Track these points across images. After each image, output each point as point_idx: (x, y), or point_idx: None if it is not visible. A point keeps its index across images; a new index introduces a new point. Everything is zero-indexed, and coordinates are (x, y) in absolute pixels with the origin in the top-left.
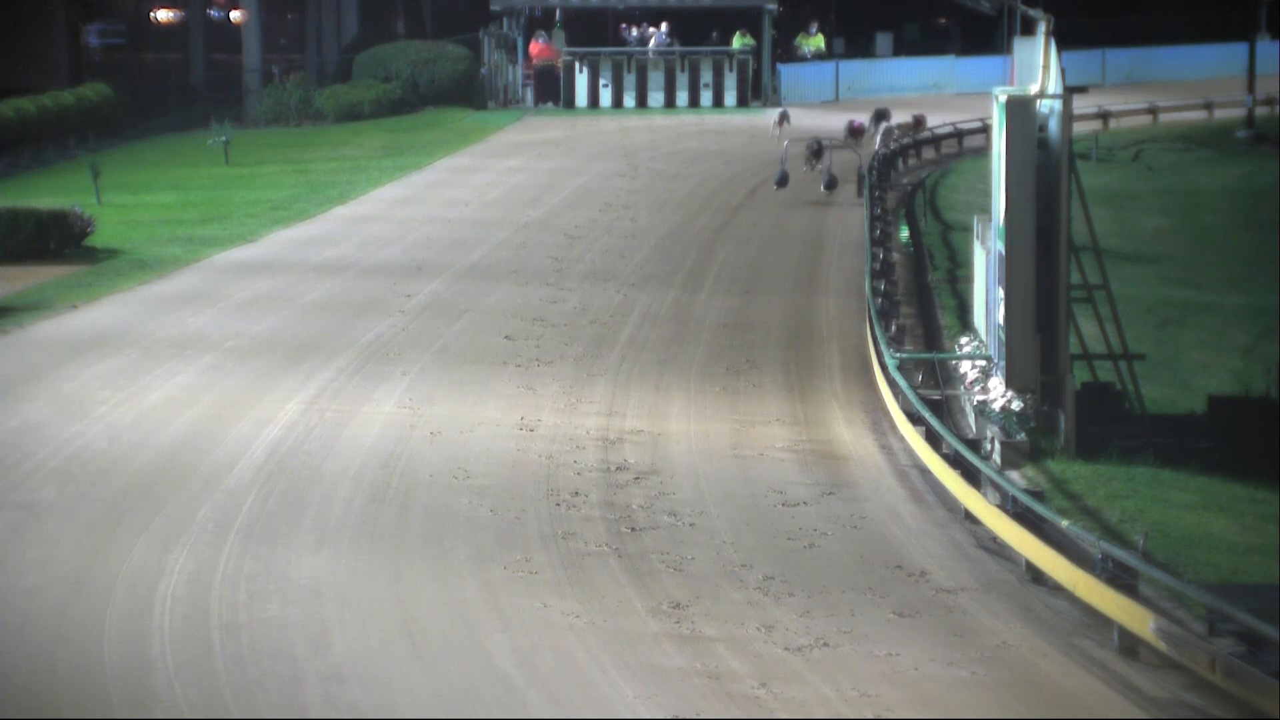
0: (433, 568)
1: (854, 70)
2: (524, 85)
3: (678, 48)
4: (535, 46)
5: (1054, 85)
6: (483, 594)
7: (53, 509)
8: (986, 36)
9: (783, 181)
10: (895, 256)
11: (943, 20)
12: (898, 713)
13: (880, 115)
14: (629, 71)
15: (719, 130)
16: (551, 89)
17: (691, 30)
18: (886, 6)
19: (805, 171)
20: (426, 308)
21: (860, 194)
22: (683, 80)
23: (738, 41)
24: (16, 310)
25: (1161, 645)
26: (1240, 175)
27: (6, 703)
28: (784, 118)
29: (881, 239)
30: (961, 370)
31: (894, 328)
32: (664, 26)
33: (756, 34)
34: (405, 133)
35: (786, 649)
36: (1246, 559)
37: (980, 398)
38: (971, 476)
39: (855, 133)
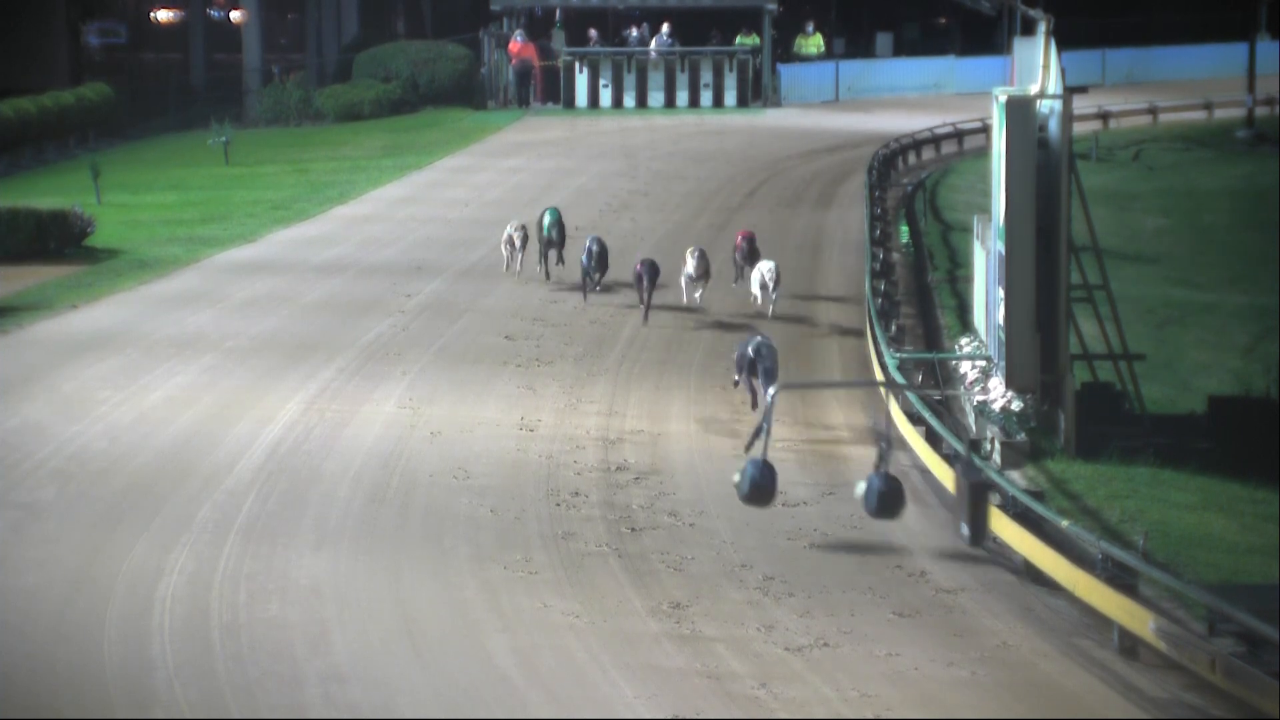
0: (433, 568)
1: (854, 70)
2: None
3: (677, 46)
4: (514, 45)
5: (1054, 85)
6: (483, 594)
7: (53, 509)
8: (986, 36)
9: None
10: (895, 256)
11: (943, 20)
12: (898, 713)
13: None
14: (629, 71)
15: (719, 130)
16: (545, 88)
17: (692, 31)
18: (886, 6)
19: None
20: (426, 307)
21: (749, 447)
22: (682, 80)
23: (741, 40)
24: (16, 310)
25: (1161, 645)
26: (1240, 175)
27: (6, 703)
28: (525, 239)
29: (881, 239)
30: (961, 370)
31: (894, 328)
32: (665, 27)
33: (756, 34)
34: (405, 132)
35: (786, 649)
36: (1246, 559)
37: (980, 398)
38: None
39: (701, 276)
